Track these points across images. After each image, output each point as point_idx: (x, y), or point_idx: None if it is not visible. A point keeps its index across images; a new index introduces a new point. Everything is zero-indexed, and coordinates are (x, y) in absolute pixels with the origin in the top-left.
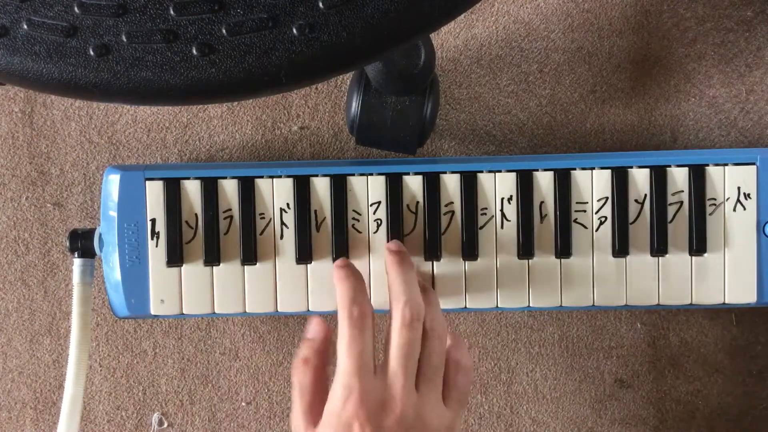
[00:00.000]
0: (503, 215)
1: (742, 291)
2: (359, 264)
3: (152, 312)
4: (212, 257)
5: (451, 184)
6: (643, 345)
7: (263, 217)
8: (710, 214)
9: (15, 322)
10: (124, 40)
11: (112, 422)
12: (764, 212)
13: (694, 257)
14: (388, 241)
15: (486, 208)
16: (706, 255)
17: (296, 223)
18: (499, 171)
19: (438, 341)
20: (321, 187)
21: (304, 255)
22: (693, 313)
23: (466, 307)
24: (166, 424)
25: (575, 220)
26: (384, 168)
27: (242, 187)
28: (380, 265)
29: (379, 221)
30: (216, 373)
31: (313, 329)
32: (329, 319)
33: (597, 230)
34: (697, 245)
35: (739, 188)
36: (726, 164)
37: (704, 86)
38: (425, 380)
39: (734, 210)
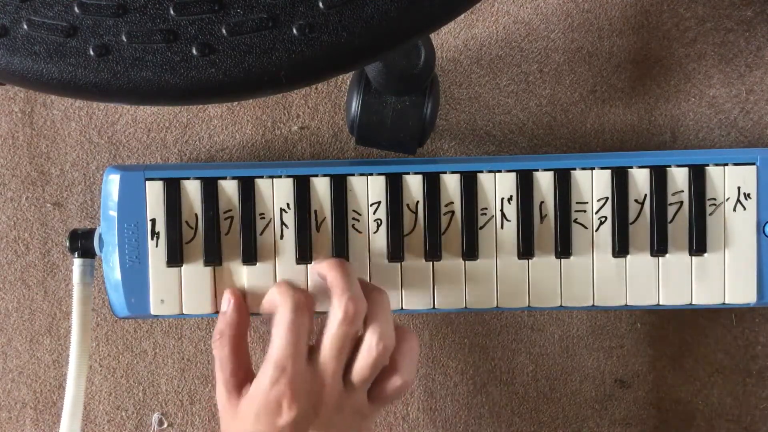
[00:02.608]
0: (503, 215)
1: (742, 291)
2: (359, 264)
3: (152, 312)
4: (212, 257)
5: (451, 184)
6: (643, 345)
7: (263, 217)
8: (710, 214)
9: (15, 322)
10: (124, 40)
11: (112, 422)
12: (764, 212)
13: (694, 257)
14: (388, 241)
15: (486, 208)
16: (706, 255)
17: (296, 223)
18: (499, 171)
19: (378, 339)
20: (321, 187)
21: (304, 255)
22: (693, 313)
23: (465, 307)
24: (166, 424)
25: (575, 220)
26: (384, 168)
27: (242, 187)
28: (380, 266)
29: (379, 221)
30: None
31: (226, 302)
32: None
33: (597, 230)
34: (697, 245)
35: (739, 188)
36: (726, 164)
37: (704, 86)
38: (356, 376)
39: (734, 210)
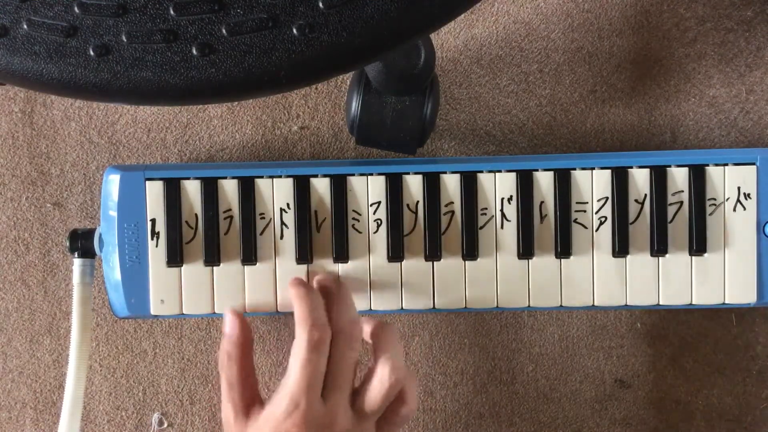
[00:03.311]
0: (503, 215)
1: (742, 291)
2: (359, 264)
3: (152, 312)
4: (212, 257)
5: (451, 184)
6: (643, 345)
7: (263, 217)
8: (710, 214)
9: (15, 322)
10: (124, 40)
11: (112, 422)
12: (764, 212)
13: (694, 257)
14: (388, 241)
15: (486, 208)
16: (706, 255)
17: (296, 223)
18: (499, 171)
19: (390, 371)
20: (321, 187)
21: (304, 255)
22: (693, 313)
23: (466, 307)
24: (166, 424)
25: (575, 220)
26: (384, 168)
27: (242, 187)
28: (380, 266)
29: (379, 221)
30: (216, 373)
31: (230, 323)
32: None
33: (597, 230)
34: (697, 245)
35: (739, 188)
36: (726, 164)
37: (704, 86)
38: (368, 406)
39: (734, 210)
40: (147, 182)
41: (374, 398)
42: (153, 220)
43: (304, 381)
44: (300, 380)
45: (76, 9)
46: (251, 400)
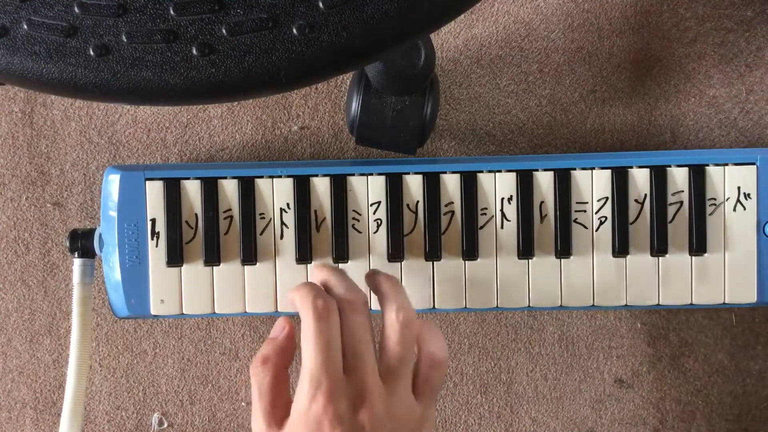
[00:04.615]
0: (503, 215)
1: (742, 291)
2: (359, 264)
3: (152, 312)
4: (212, 257)
5: (451, 184)
6: (643, 345)
7: (263, 217)
8: (710, 214)
9: (15, 322)
10: (124, 40)
11: (112, 422)
12: (764, 212)
13: (694, 257)
14: (388, 241)
15: (486, 208)
16: (706, 255)
17: (296, 223)
18: (499, 171)
19: (396, 312)
20: (321, 187)
21: (304, 255)
22: (693, 313)
23: (466, 307)
24: (166, 424)
25: (575, 220)
26: (384, 168)
27: (242, 187)
28: (380, 266)
29: (379, 221)
30: (216, 373)
31: (277, 328)
32: None
33: (597, 230)
34: (697, 245)
35: (739, 188)
36: (726, 164)
37: (704, 86)
38: (391, 358)
39: (734, 210)
40: (147, 182)
41: (392, 349)
42: (153, 220)
43: (319, 356)
44: (315, 356)
45: (76, 9)
46: (284, 413)
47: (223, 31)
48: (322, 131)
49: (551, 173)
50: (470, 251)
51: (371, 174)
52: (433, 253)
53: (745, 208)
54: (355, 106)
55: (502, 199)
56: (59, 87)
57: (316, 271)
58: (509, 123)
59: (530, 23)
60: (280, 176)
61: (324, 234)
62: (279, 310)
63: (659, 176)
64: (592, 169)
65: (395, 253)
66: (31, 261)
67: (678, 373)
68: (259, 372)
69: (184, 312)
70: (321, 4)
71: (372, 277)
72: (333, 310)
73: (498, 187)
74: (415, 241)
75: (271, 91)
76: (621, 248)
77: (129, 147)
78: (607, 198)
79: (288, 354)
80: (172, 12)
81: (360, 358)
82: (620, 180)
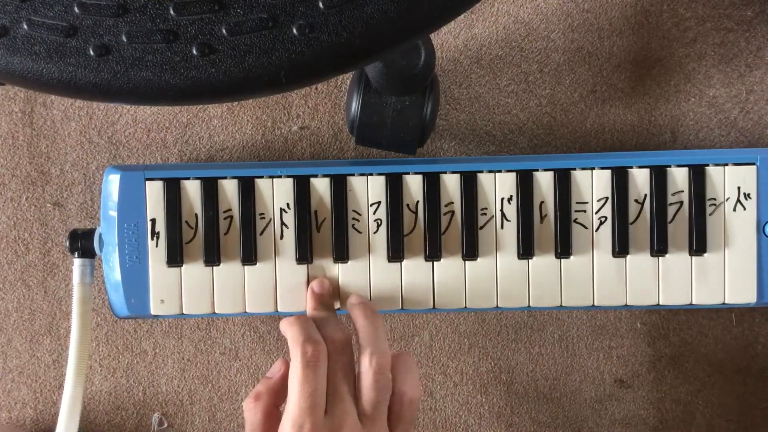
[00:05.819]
0: (503, 215)
1: (742, 291)
2: (359, 264)
3: (152, 312)
4: (212, 257)
5: (451, 184)
6: (643, 345)
7: (263, 217)
8: (710, 214)
9: (15, 322)
10: (124, 40)
11: (112, 422)
12: (764, 212)
13: (694, 257)
14: (388, 241)
15: (486, 208)
16: (706, 255)
17: (296, 223)
18: (499, 171)
19: (369, 358)
20: (321, 187)
21: (304, 255)
22: (693, 313)
23: (466, 307)
24: (166, 424)
25: (575, 220)
26: (384, 168)
27: (242, 187)
28: (380, 266)
29: (379, 221)
30: (216, 373)
31: (274, 368)
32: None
33: (597, 230)
34: (697, 245)
35: (739, 188)
36: (726, 164)
37: (704, 86)
38: (365, 403)
39: (734, 210)
40: (147, 182)
41: (366, 394)
42: (153, 220)
43: (304, 401)
44: (299, 400)
45: (76, 9)
46: None
47: (223, 31)
48: (322, 131)
49: (551, 173)
50: (470, 251)
51: (371, 174)
52: (433, 253)
53: (745, 208)
54: (355, 106)
55: (502, 199)
56: (59, 87)
57: (309, 302)
58: (509, 123)
59: (530, 23)
60: (280, 176)
61: (324, 234)
62: (279, 310)
63: (659, 176)
64: (592, 169)
65: (395, 253)
66: (31, 261)
67: (678, 373)
68: (251, 408)
69: (184, 312)
70: (321, 4)
71: (350, 308)
72: (322, 358)
73: (498, 187)
74: (415, 241)
75: (271, 91)
76: (621, 248)
77: (129, 147)
78: (607, 198)
79: (280, 394)
80: (172, 12)
81: (341, 399)
82: (620, 180)
